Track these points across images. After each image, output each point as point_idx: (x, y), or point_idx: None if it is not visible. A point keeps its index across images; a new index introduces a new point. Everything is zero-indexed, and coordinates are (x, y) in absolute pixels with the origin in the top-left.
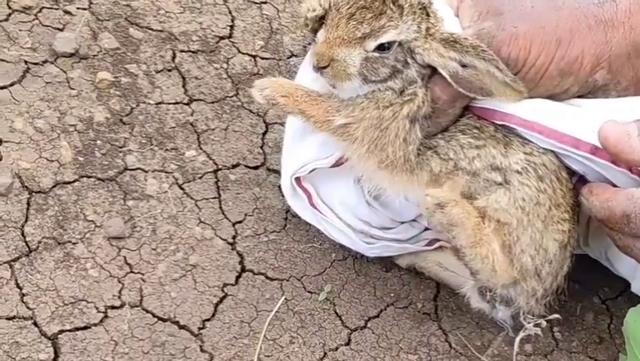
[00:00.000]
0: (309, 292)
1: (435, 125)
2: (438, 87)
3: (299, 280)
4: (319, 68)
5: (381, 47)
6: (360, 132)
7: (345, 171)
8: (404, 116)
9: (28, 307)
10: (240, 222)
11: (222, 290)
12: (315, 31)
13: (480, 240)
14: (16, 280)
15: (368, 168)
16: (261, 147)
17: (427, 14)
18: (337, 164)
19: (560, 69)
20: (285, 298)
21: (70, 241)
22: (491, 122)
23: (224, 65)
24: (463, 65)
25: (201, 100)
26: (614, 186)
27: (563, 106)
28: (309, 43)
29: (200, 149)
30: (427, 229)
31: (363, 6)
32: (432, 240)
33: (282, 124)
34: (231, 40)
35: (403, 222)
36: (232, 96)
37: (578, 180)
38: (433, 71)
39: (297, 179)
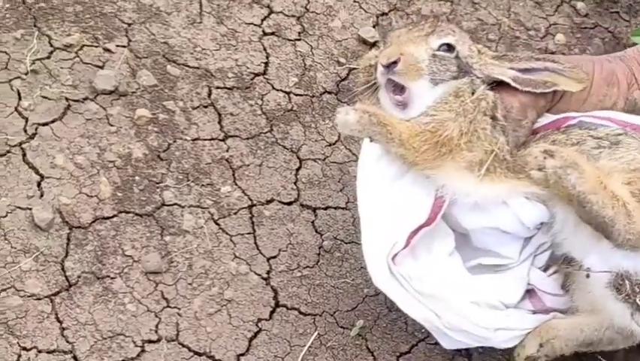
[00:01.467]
0: (341, 327)
1: (514, 139)
2: (506, 94)
3: (332, 315)
4: (389, 66)
5: (445, 48)
6: (451, 128)
7: (440, 243)
8: (483, 109)
9: (67, 341)
10: (274, 257)
11: (257, 325)
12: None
13: (601, 183)
14: (57, 314)
15: (469, 180)
16: (295, 183)
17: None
18: (432, 218)
19: (604, 78)
20: (318, 334)
21: (108, 276)
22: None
23: (259, 102)
24: (521, 70)
25: (236, 136)
26: None
27: (626, 114)
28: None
29: (236, 185)
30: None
31: (418, 21)
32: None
33: (316, 160)
34: (266, 76)
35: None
36: (266, 132)
37: None
38: (498, 85)
39: (393, 260)
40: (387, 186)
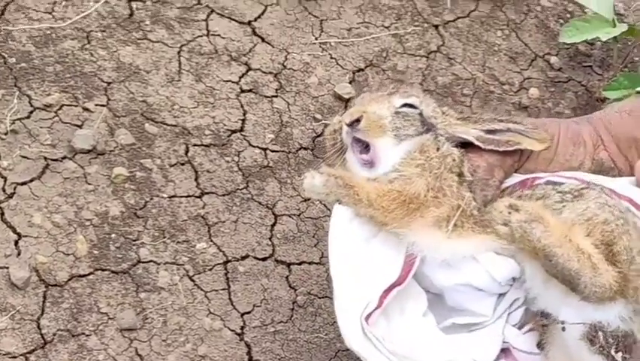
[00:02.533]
0: None
1: (481, 197)
2: (472, 154)
3: None
4: (352, 124)
5: (408, 106)
6: (417, 184)
7: (414, 305)
8: (449, 166)
9: None
10: (248, 312)
11: None
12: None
13: (566, 236)
14: None
15: (438, 237)
16: (270, 239)
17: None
18: (404, 277)
19: (569, 138)
20: None
21: (83, 333)
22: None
23: (236, 158)
24: (485, 131)
25: (213, 193)
26: None
27: (593, 175)
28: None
29: (211, 241)
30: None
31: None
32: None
33: (291, 215)
34: (242, 133)
35: None
36: (242, 189)
37: None
38: (464, 145)
39: (367, 320)
40: (359, 246)
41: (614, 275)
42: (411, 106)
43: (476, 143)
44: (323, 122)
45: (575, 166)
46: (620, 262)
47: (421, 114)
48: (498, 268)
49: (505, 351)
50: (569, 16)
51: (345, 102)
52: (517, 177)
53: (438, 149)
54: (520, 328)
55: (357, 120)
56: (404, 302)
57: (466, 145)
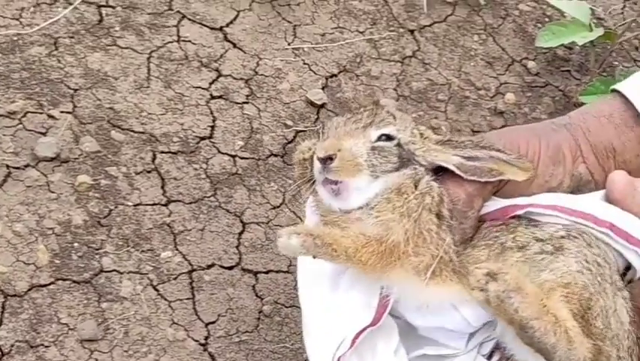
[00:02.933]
0: None
1: (460, 232)
2: (451, 184)
3: None
4: (325, 161)
5: (384, 138)
6: (396, 232)
7: (386, 341)
8: (428, 206)
9: None
10: (212, 322)
11: None
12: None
13: (545, 307)
14: None
15: (415, 284)
16: (237, 247)
17: (416, 124)
18: (376, 319)
19: (550, 157)
20: None
21: (42, 345)
22: (511, 219)
23: (204, 165)
24: (466, 158)
25: (179, 201)
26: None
27: (572, 196)
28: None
29: (177, 250)
30: None
31: (357, 112)
32: None
33: (259, 223)
34: (212, 140)
35: None
36: (210, 196)
37: None
38: (442, 172)
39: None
40: (330, 285)
41: (588, 347)
42: (388, 137)
43: (457, 172)
44: (294, 128)
45: (554, 186)
46: (595, 334)
47: (398, 144)
48: (473, 313)
49: None
50: (547, 20)
51: (318, 108)
52: (495, 203)
53: (416, 186)
54: (489, 357)
55: (330, 158)
56: (376, 340)
57: (443, 171)
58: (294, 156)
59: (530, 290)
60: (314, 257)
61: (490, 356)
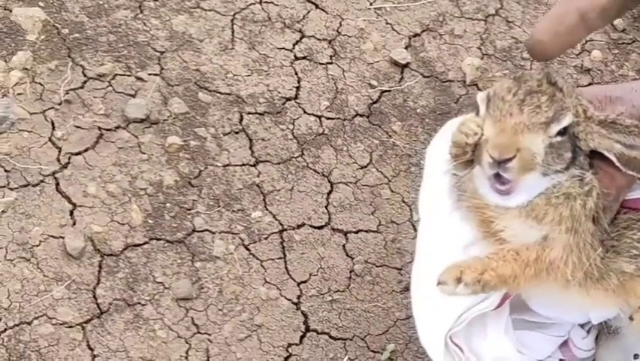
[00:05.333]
0: (372, 351)
1: (603, 230)
2: (604, 177)
3: (362, 339)
4: (501, 162)
5: (561, 131)
6: (555, 245)
7: (496, 321)
8: (590, 210)
9: None
10: (304, 281)
11: (287, 350)
12: (469, 161)
13: None
14: (88, 342)
15: (552, 290)
16: (326, 207)
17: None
18: (498, 305)
19: None
20: (349, 358)
21: (139, 303)
22: None
23: (290, 126)
24: (627, 146)
25: (267, 161)
26: None
27: None
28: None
29: (266, 210)
30: None
31: (532, 90)
32: None
33: (347, 183)
34: (297, 101)
35: None
36: (297, 157)
37: None
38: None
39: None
40: (458, 255)
41: None
42: (564, 128)
43: (617, 163)
44: (379, 88)
45: None
46: None
47: (568, 133)
48: (602, 315)
49: (562, 344)
50: None
51: (402, 68)
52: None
53: (580, 184)
54: (582, 326)
55: (509, 159)
56: (486, 318)
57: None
58: (454, 135)
59: None
60: None
61: (583, 325)
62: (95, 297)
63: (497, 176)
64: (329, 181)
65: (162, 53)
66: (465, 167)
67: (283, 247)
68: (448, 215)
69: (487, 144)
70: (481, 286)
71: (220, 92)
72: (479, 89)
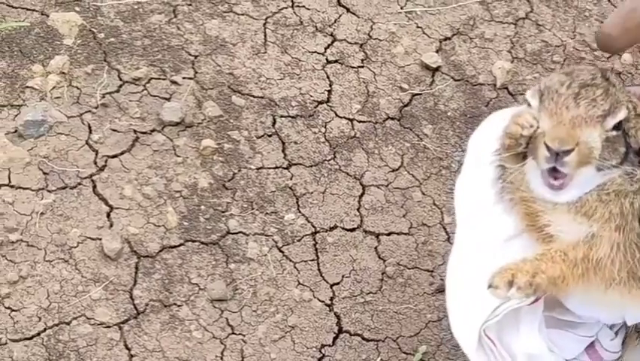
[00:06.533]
0: (404, 353)
1: None
2: None
3: (394, 340)
4: (559, 155)
5: (616, 126)
6: (603, 244)
7: (529, 317)
8: (637, 209)
9: None
10: (337, 283)
11: (320, 351)
12: (518, 153)
13: None
14: (125, 342)
15: (597, 289)
16: (358, 210)
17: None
18: (535, 299)
19: None
20: (381, 359)
21: (175, 304)
22: None
23: (322, 129)
24: None
25: (300, 164)
26: None
27: None
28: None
29: (299, 212)
30: None
31: (586, 84)
32: None
33: (379, 186)
34: (329, 104)
35: None
36: (330, 160)
37: None
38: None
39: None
40: (498, 247)
41: None
42: (619, 123)
43: None
44: (410, 91)
45: None
46: None
47: (624, 131)
48: (637, 317)
49: (589, 346)
50: None
51: (433, 71)
52: None
53: (631, 182)
54: (610, 327)
55: (567, 151)
56: (520, 314)
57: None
58: (507, 126)
59: None
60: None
61: (611, 326)
62: (131, 298)
63: (552, 170)
64: (361, 184)
65: (196, 56)
66: (514, 159)
67: (316, 249)
68: (490, 207)
69: (545, 137)
70: (533, 289)
71: (253, 96)
72: (510, 93)
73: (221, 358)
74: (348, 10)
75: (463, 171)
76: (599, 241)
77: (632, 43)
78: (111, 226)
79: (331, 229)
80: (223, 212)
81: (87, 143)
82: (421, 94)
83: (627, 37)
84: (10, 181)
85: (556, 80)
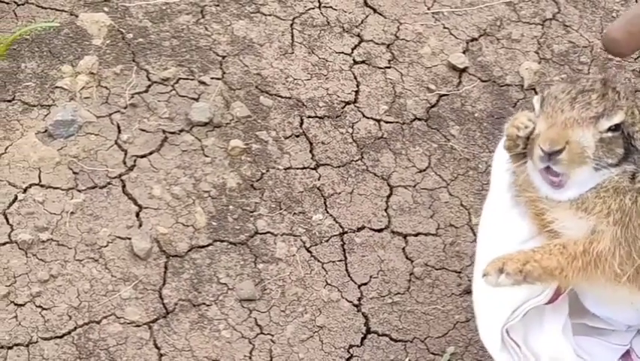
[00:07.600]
0: (432, 353)
1: None
2: None
3: (422, 341)
4: (552, 154)
5: (613, 128)
6: (604, 238)
7: (553, 317)
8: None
9: None
10: (365, 284)
11: (348, 351)
12: (522, 153)
13: None
14: (155, 341)
15: (607, 286)
16: (385, 210)
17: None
18: (552, 299)
19: None
20: (409, 360)
21: (204, 303)
22: None
23: (350, 130)
24: None
25: (328, 164)
26: None
27: None
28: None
29: (327, 212)
30: None
31: (584, 89)
32: None
33: (406, 187)
34: (356, 105)
35: None
36: (357, 160)
37: None
38: None
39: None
40: (514, 250)
41: None
42: (617, 126)
43: None
44: (437, 92)
45: None
46: None
47: (624, 132)
48: None
49: (624, 355)
50: None
51: (460, 72)
52: None
53: (632, 180)
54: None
55: (558, 151)
56: (544, 314)
57: None
58: (506, 127)
59: None
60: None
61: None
62: (161, 297)
63: (548, 169)
64: (388, 184)
65: (224, 57)
66: (518, 161)
67: (344, 250)
68: (506, 211)
69: (539, 138)
70: (523, 276)
71: (281, 96)
72: (537, 94)
73: (250, 358)
74: (374, 10)
75: (491, 182)
76: (599, 235)
77: (638, 47)
78: (140, 225)
79: (359, 229)
80: (251, 212)
81: (116, 143)
82: (448, 95)
83: (632, 42)
84: (40, 181)
85: (559, 87)
